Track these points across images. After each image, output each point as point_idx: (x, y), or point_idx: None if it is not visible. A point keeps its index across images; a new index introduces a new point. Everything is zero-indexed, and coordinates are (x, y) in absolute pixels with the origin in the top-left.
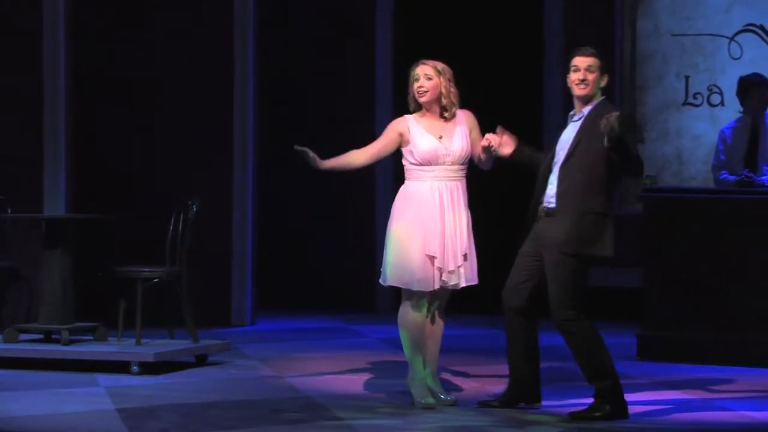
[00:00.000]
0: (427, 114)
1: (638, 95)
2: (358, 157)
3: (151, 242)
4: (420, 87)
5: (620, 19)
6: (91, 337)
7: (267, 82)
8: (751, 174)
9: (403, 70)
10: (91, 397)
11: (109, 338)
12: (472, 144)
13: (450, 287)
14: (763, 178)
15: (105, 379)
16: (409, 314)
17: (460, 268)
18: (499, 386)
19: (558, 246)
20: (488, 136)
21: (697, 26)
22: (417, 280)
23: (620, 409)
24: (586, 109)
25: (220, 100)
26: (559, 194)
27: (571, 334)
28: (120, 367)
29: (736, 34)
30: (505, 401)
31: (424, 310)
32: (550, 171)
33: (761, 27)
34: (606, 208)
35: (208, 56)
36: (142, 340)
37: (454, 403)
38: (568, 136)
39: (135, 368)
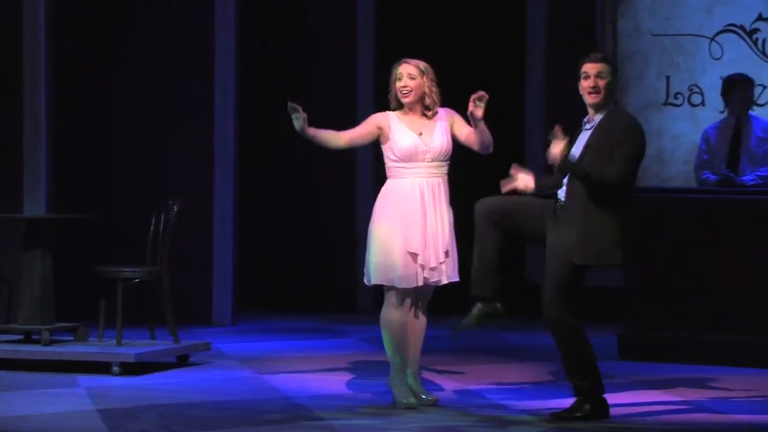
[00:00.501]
0: (409, 112)
1: (619, 95)
2: (335, 139)
3: (132, 242)
4: (404, 87)
5: (601, 18)
6: (71, 338)
7: (247, 81)
8: (732, 173)
9: (385, 68)
10: (72, 397)
11: (90, 338)
12: (459, 131)
13: (432, 284)
14: (744, 177)
15: (85, 379)
16: (391, 314)
17: (442, 264)
18: (482, 385)
19: (566, 252)
20: (472, 99)
21: (678, 26)
22: (400, 277)
23: (601, 409)
24: (598, 117)
25: (201, 100)
26: (567, 202)
27: (559, 332)
28: (101, 367)
29: (717, 34)
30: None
31: (407, 309)
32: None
33: (742, 27)
34: (614, 215)
35: (189, 56)
36: (123, 341)
37: (435, 403)
38: (580, 143)
39: (116, 369)
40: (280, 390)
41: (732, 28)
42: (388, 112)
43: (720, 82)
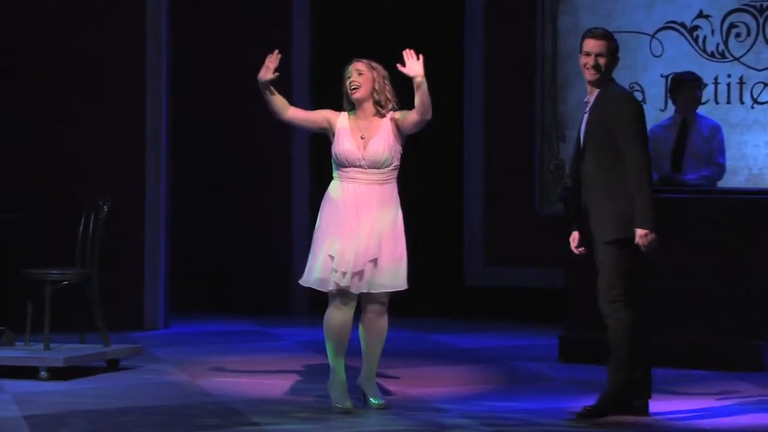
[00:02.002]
0: (359, 113)
1: (559, 93)
2: (282, 107)
3: (60, 243)
4: (352, 82)
5: (541, 16)
6: None
7: (180, 78)
8: (674, 173)
9: (319, 66)
10: None
11: (16, 343)
12: (404, 122)
13: (354, 291)
14: (687, 177)
15: (12, 385)
16: (330, 316)
17: (367, 273)
18: (419, 388)
19: (598, 237)
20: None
21: (618, 23)
22: (317, 280)
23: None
24: (593, 97)
25: (132, 99)
26: (585, 189)
27: (613, 321)
28: (28, 372)
29: (658, 31)
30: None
31: (348, 312)
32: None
33: (682, 24)
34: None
35: (120, 54)
36: (51, 345)
37: (384, 407)
38: (581, 128)
39: (44, 374)
40: (213, 394)
41: (672, 25)
42: (342, 112)
43: (661, 79)
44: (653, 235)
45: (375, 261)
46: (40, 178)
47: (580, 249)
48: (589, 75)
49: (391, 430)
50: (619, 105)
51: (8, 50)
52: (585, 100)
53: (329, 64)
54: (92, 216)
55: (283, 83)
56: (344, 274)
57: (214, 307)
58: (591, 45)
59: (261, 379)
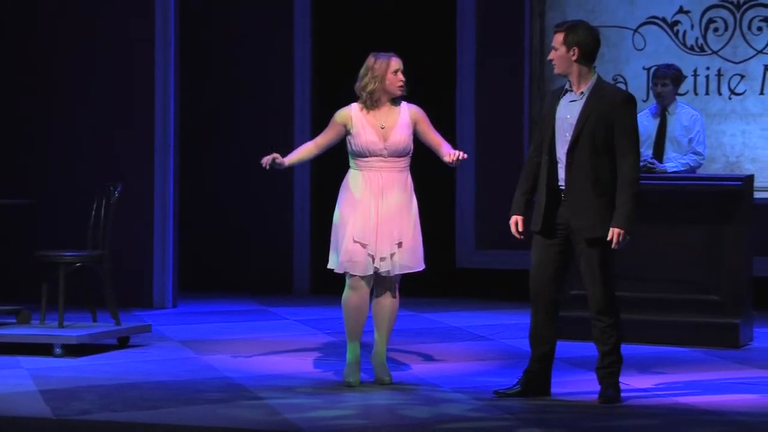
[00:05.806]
0: (376, 103)
1: (547, 86)
2: (308, 153)
3: (74, 227)
4: (402, 80)
5: (529, 11)
6: (13, 320)
7: (186, 65)
8: (654, 160)
9: (320, 64)
10: (14, 379)
11: (32, 321)
12: (422, 135)
13: (383, 274)
14: (667, 164)
15: (28, 361)
16: (347, 297)
17: (394, 256)
18: (415, 364)
19: (583, 233)
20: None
21: (602, 18)
22: (344, 263)
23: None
24: (585, 88)
25: (142, 85)
26: (570, 179)
27: (611, 320)
28: (43, 349)
29: (640, 25)
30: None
31: (364, 293)
32: (551, 150)
33: (663, 19)
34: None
35: (132, 48)
36: (65, 323)
37: (388, 383)
38: (569, 114)
39: (58, 350)
40: (219, 370)
41: (654, 20)
42: (352, 105)
43: (643, 71)
44: (628, 237)
45: (400, 243)
46: (55, 166)
47: (522, 235)
48: (554, 69)
49: (388, 404)
50: (628, 107)
51: (27, 43)
52: (567, 87)
53: (330, 56)
54: (104, 201)
55: (285, 78)
56: (381, 259)
57: (220, 287)
58: (553, 39)
59: (265, 356)
